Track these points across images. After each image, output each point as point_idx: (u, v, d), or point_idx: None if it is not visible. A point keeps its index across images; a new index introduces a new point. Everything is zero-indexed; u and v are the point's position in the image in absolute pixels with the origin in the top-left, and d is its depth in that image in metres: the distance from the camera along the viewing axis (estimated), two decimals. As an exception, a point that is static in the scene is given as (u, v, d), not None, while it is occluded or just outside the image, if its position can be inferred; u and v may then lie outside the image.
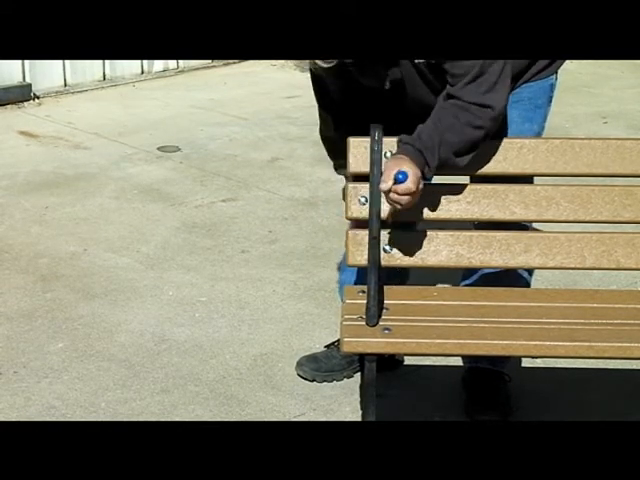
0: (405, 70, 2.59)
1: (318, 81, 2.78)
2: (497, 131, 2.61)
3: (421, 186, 2.44)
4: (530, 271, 3.02)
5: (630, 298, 2.74)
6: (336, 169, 2.92)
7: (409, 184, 2.39)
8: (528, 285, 3.04)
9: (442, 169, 2.52)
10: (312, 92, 2.86)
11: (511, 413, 2.96)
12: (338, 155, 2.78)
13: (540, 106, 2.82)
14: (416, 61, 2.54)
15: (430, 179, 2.53)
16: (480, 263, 2.72)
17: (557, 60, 2.79)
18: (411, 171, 2.40)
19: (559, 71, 2.85)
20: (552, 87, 2.84)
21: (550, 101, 2.86)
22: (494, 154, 2.66)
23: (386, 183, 2.40)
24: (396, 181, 2.39)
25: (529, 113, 2.78)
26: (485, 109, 2.49)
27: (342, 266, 3.15)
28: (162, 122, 5.66)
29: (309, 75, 2.79)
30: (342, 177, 2.89)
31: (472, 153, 2.55)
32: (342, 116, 2.73)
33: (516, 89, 2.74)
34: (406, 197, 2.42)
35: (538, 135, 2.85)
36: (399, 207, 2.44)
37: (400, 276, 3.01)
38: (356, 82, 2.67)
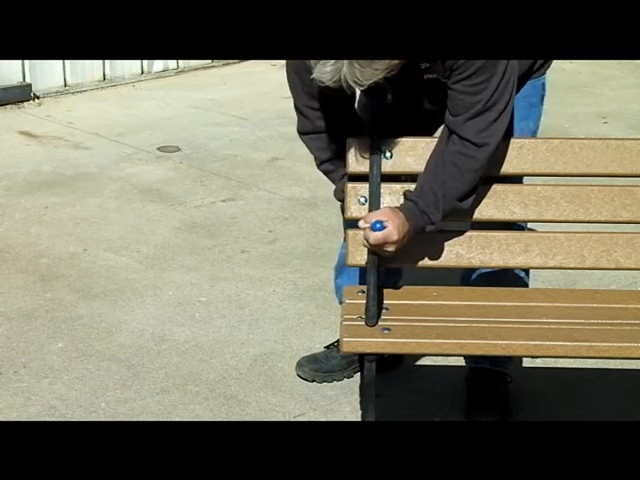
0: (408, 86, 2.59)
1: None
2: None
3: (389, 248, 2.51)
4: (527, 272, 3.03)
5: (630, 298, 2.74)
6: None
7: (370, 237, 2.49)
8: (526, 285, 3.04)
9: (448, 217, 2.58)
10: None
11: (511, 413, 2.96)
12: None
13: (534, 105, 2.84)
14: (426, 76, 2.54)
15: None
16: (480, 263, 2.72)
17: (549, 60, 2.81)
18: (389, 229, 2.48)
19: (553, 71, 2.88)
20: (543, 86, 2.87)
21: (542, 100, 2.88)
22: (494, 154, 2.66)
23: (364, 223, 2.51)
24: (372, 227, 2.49)
25: (525, 111, 2.79)
26: (482, 147, 2.52)
27: (338, 269, 3.14)
28: (162, 122, 5.66)
29: None
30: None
31: (474, 195, 2.59)
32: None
33: None
34: (365, 242, 2.52)
35: (534, 134, 2.86)
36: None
37: (396, 276, 3.01)
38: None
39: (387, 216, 2.50)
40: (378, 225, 2.48)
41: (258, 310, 3.59)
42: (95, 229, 4.23)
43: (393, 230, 2.49)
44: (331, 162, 2.74)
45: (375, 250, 2.55)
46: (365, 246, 2.55)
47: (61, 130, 5.49)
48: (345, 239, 3.04)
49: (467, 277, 3.00)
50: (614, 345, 2.47)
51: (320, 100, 2.65)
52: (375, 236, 2.49)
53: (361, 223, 2.52)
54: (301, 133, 2.78)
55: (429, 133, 2.78)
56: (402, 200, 2.60)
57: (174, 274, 3.84)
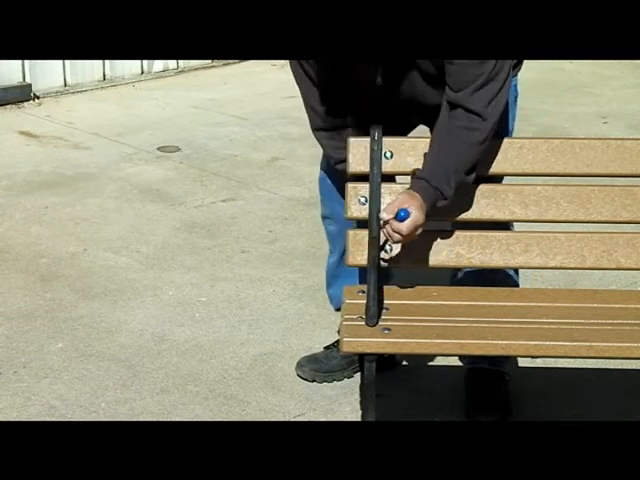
0: (401, 67, 2.58)
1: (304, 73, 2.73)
2: None
3: (418, 232, 2.47)
4: (516, 271, 3.02)
5: (630, 298, 2.74)
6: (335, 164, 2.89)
7: (402, 227, 2.43)
8: (516, 285, 3.03)
9: (456, 192, 2.56)
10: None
11: (511, 413, 2.96)
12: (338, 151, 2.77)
13: (509, 105, 2.82)
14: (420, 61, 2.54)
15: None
16: (480, 263, 2.72)
17: (521, 63, 2.81)
18: (414, 213, 2.43)
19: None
20: (516, 87, 2.88)
21: (516, 101, 2.89)
22: (494, 154, 2.66)
23: (387, 214, 2.45)
24: (396, 217, 2.43)
25: None
26: (487, 119, 2.52)
27: (329, 279, 3.15)
28: (162, 122, 5.66)
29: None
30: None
31: (476, 169, 2.59)
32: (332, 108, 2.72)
33: None
34: (397, 235, 2.46)
35: (509, 134, 2.85)
36: (390, 240, 2.49)
37: (389, 276, 3.00)
38: (346, 74, 2.66)
39: (407, 202, 2.46)
40: (403, 213, 2.42)
41: (258, 310, 3.59)
42: (95, 229, 4.23)
43: (418, 214, 2.45)
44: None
45: (407, 240, 2.48)
46: (396, 241, 2.48)
47: (61, 130, 5.49)
48: (330, 249, 3.05)
49: (455, 277, 2.99)
50: (614, 345, 2.47)
51: (323, 91, 2.67)
52: (406, 226, 2.43)
53: (383, 215, 2.45)
54: (313, 129, 2.81)
55: (421, 121, 2.79)
56: None
57: (174, 274, 3.84)
